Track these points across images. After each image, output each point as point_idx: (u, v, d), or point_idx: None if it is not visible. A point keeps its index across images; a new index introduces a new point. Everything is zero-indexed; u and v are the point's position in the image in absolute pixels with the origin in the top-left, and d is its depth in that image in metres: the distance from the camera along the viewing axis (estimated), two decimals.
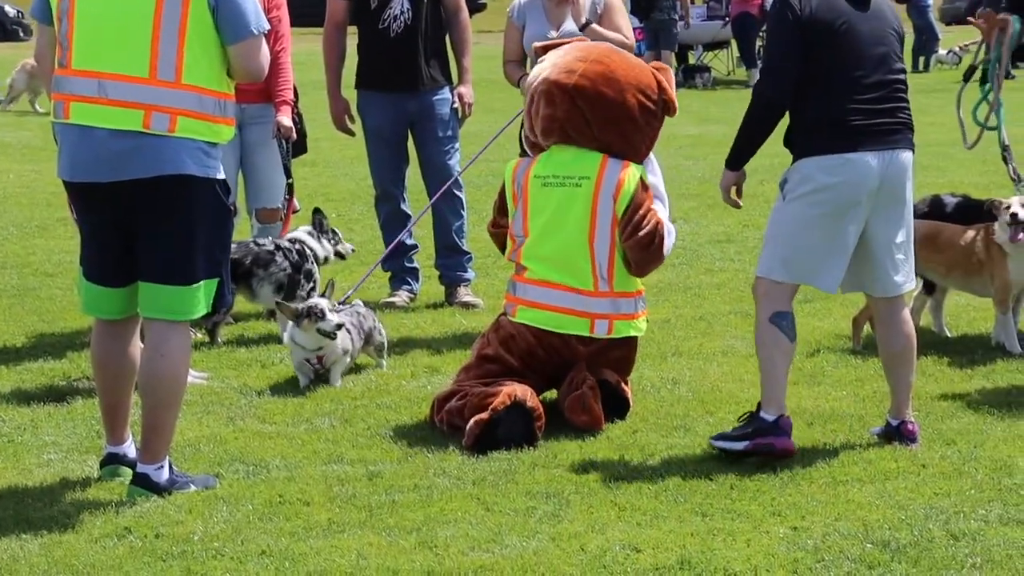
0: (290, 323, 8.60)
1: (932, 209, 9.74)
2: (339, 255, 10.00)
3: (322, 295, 8.60)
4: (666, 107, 8.07)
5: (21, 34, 34.33)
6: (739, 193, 7.45)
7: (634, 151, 8.01)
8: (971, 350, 9.18)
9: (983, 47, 9.03)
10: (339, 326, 8.39)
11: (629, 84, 7.97)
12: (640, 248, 7.84)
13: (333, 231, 10.00)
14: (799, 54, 7.06)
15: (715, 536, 6.19)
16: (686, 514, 6.44)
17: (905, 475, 6.89)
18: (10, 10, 35.65)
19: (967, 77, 9.33)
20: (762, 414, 7.13)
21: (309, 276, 9.63)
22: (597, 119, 7.93)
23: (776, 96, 7.13)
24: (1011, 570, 5.82)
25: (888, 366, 7.43)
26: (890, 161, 7.12)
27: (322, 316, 8.34)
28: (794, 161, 7.19)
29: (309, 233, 9.83)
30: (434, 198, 10.30)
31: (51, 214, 14.44)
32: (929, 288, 9.61)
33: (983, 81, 9.13)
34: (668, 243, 7.95)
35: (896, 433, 7.35)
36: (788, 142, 7.25)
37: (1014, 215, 8.86)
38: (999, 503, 6.51)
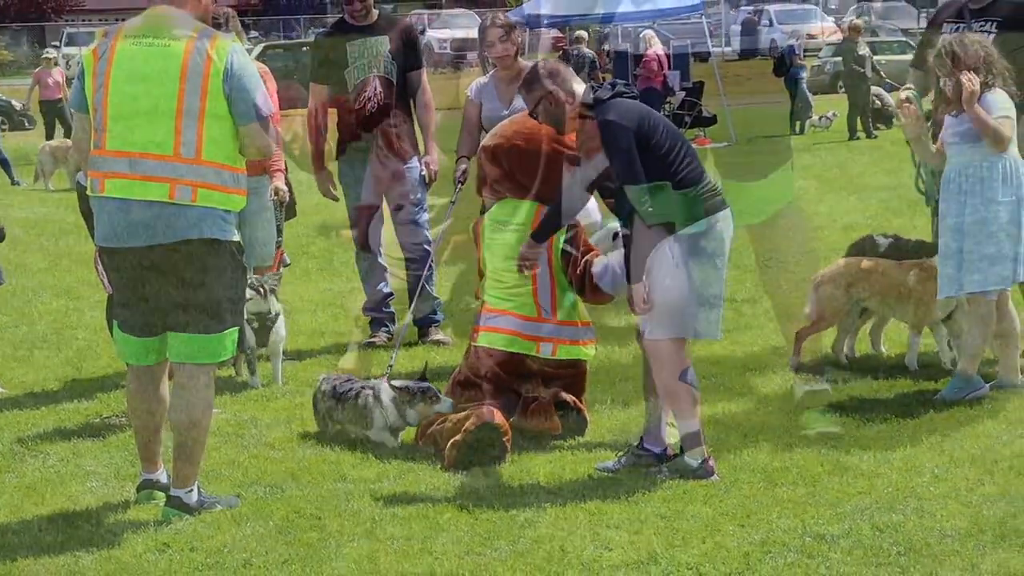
0: (385, 405, 7.81)
1: (866, 247, 9.63)
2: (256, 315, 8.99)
3: (421, 378, 7.91)
4: None
5: (27, 124, 34.18)
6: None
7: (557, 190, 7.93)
8: (874, 369, 9.09)
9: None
10: (453, 405, 7.81)
11: (544, 135, 7.86)
12: (576, 288, 7.88)
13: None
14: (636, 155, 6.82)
15: (675, 534, 6.17)
16: (648, 517, 6.41)
17: (831, 477, 6.88)
18: (16, 104, 35.25)
19: None
20: (686, 458, 6.94)
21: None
22: (516, 169, 7.97)
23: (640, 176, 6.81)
24: (930, 556, 5.83)
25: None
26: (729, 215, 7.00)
27: (438, 399, 7.80)
28: None
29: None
30: (425, 272, 10.27)
31: (74, 277, 14.25)
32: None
33: None
34: (601, 279, 7.79)
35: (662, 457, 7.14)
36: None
37: None
38: (914, 499, 6.52)
